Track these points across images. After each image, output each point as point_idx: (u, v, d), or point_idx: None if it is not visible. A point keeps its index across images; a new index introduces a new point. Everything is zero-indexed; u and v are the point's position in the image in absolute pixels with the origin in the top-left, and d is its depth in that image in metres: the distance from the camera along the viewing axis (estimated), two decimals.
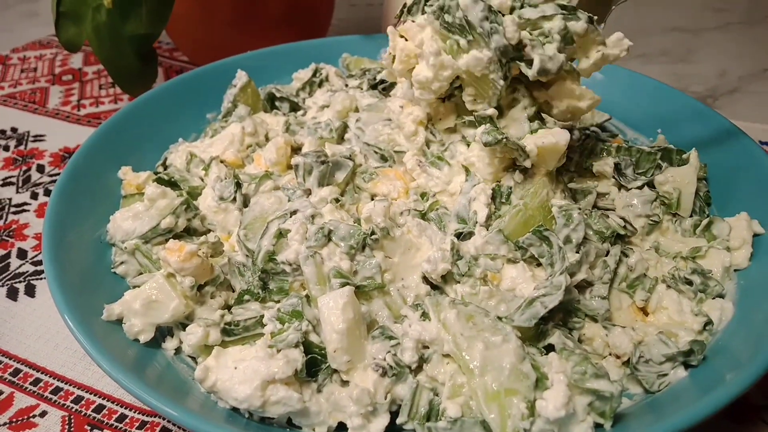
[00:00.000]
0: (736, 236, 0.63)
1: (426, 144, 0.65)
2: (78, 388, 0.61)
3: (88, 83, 1.11)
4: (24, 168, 0.90)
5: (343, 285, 0.53)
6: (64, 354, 0.65)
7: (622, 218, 0.63)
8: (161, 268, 0.58)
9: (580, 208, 0.59)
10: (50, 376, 0.62)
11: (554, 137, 0.58)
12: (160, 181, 0.68)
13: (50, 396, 0.60)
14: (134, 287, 0.58)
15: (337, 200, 0.62)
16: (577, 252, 0.57)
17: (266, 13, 1.03)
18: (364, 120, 0.68)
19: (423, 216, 0.61)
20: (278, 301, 0.56)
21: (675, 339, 0.55)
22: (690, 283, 0.59)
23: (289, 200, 0.62)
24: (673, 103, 0.82)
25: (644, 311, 0.59)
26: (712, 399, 0.47)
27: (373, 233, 0.56)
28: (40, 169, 0.90)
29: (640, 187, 0.67)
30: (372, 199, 0.63)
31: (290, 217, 0.58)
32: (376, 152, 0.66)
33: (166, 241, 0.61)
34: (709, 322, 0.56)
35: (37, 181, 0.88)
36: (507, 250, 0.56)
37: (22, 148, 0.95)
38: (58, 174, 0.89)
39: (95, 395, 0.60)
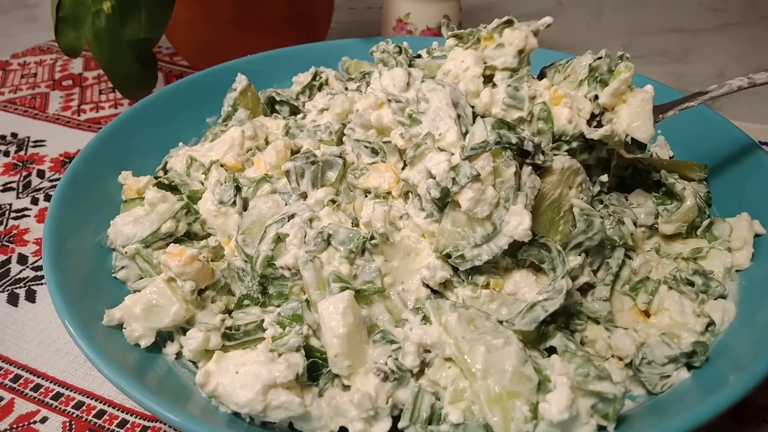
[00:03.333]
0: (738, 237, 0.63)
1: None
2: (79, 394, 0.61)
3: (88, 88, 1.11)
4: (24, 173, 0.90)
5: (342, 289, 0.52)
6: (65, 359, 0.65)
7: (634, 222, 0.63)
8: (162, 273, 0.58)
9: (602, 218, 0.58)
10: (51, 382, 0.62)
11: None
12: (160, 185, 0.67)
13: (51, 402, 0.60)
14: (135, 292, 0.58)
15: (333, 201, 0.61)
16: (584, 255, 0.56)
17: (266, 17, 1.03)
18: (354, 120, 0.68)
19: None
20: (278, 305, 0.56)
21: (677, 340, 0.55)
22: (692, 284, 0.59)
23: (286, 204, 0.62)
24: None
25: (646, 313, 0.59)
26: (715, 401, 0.47)
27: (372, 237, 0.55)
28: (41, 174, 0.90)
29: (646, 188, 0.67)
30: (366, 195, 0.63)
31: (288, 221, 0.58)
32: (366, 146, 0.64)
33: (167, 245, 0.61)
34: (711, 323, 0.56)
35: (38, 186, 0.88)
36: (506, 262, 0.56)
37: (22, 153, 0.95)
38: (59, 179, 0.89)
39: (96, 400, 0.60)
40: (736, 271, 0.62)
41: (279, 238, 0.57)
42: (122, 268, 0.62)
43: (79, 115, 1.03)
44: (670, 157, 0.78)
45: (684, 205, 0.64)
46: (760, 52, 1.27)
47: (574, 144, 0.60)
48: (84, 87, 1.11)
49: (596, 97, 0.62)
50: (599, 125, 0.62)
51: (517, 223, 0.52)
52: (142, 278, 0.61)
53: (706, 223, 0.65)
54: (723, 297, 0.60)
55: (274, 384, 0.47)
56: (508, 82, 0.61)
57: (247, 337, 0.54)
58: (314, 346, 0.52)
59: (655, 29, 1.38)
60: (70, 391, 0.61)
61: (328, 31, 1.16)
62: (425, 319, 0.53)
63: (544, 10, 1.46)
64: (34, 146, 0.96)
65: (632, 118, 0.60)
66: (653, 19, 1.43)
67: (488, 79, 0.64)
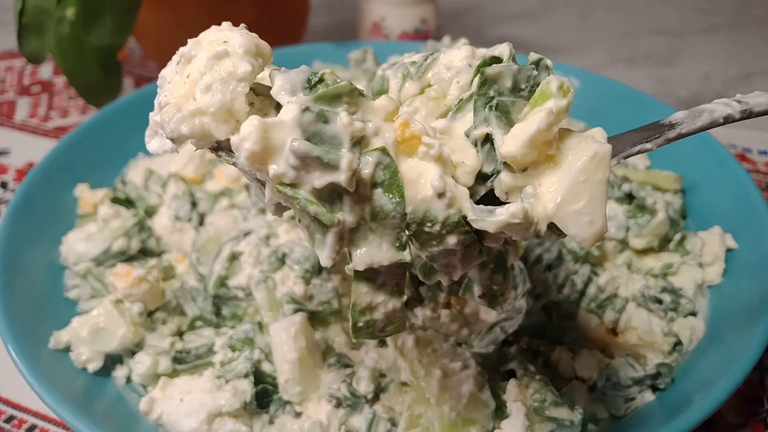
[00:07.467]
0: (709, 252, 0.61)
1: None
2: (33, 416, 0.59)
3: (56, 94, 1.09)
4: None
5: (296, 311, 0.51)
6: (20, 380, 0.62)
7: None
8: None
9: None
10: (4, 404, 0.60)
11: None
12: (115, 200, 0.65)
13: (2, 425, 0.58)
14: (84, 313, 0.56)
15: (293, 217, 0.60)
16: (548, 271, 0.55)
17: (236, 20, 1.00)
18: None
19: None
20: (233, 327, 0.54)
21: (644, 361, 0.53)
22: (660, 301, 0.57)
23: (245, 219, 0.60)
24: (651, 112, 0.80)
25: (614, 331, 0.58)
26: (678, 423, 0.45)
27: None
28: (4, 185, 0.88)
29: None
30: None
31: (244, 238, 0.56)
32: None
33: (120, 263, 0.59)
34: (678, 343, 0.55)
35: (0, 198, 0.86)
36: None
37: None
38: None
39: (50, 423, 0.58)
40: (708, 287, 0.60)
41: (234, 257, 0.55)
42: (74, 287, 0.59)
43: (46, 122, 1.01)
44: (647, 167, 0.76)
45: (655, 218, 0.62)
46: (747, 55, 1.25)
47: (451, 240, 0.31)
48: (53, 93, 1.09)
49: (488, 139, 0.32)
50: (490, 198, 0.33)
51: None
52: (94, 298, 0.59)
53: (678, 237, 0.63)
54: (693, 314, 0.58)
55: (219, 412, 0.46)
56: (305, 101, 0.32)
57: (199, 361, 0.52)
58: (265, 371, 0.50)
59: (643, 31, 1.36)
60: (24, 413, 0.59)
61: (304, 33, 1.14)
62: (382, 341, 0.51)
63: (529, 11, 1.44)
64: None
65: (567, 192, 0.31)
66: (641, 19, 1.41)
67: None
